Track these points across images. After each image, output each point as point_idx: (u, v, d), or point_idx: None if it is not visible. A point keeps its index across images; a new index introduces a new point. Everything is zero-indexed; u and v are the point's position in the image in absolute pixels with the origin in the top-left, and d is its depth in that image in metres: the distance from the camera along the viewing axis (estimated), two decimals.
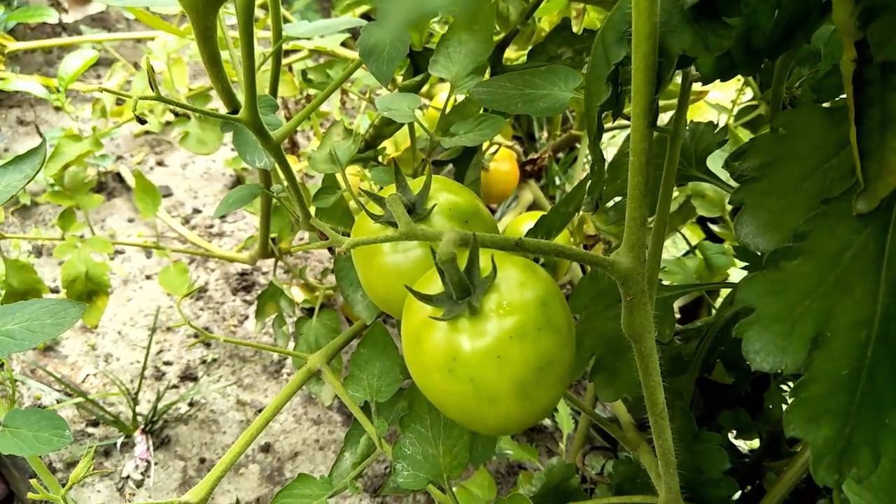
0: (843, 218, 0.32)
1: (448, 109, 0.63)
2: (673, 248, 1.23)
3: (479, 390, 0.37)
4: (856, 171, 0.32)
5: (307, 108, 0.58)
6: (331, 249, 0.98)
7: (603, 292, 0.54)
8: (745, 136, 0.80)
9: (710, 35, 0.34)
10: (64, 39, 1.41)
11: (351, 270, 0.67)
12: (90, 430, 0.91)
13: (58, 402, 0.92)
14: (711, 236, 0.97)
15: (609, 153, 0.58)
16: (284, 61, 1.17)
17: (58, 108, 1.34)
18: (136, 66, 1.48)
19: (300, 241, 1.07)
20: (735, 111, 0.87)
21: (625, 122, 0.44)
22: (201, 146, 1.03)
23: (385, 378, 0.60)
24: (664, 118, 0.45)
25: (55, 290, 1.06)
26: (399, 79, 0.84)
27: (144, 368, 0.95)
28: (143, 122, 0.57)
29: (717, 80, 0.42)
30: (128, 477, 0.86)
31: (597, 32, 0.40)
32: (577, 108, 1.11)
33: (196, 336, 1.05)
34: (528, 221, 0.84)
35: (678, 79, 0.42)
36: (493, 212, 1.10)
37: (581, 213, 0.84)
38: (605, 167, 0.49)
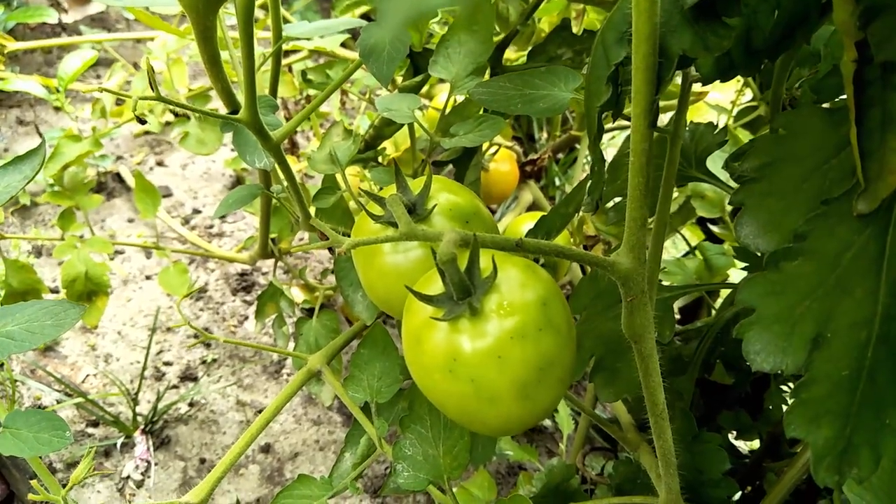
0: (844, 218, 0.33)
1: (448, 110, 0.63)
2: (673, 249, 1.23)
3: (479, 391, 0.37)
4: (856, 172, 0.32)
5: (307, 108, 0.58)
6: (331, 250, 0.97)
7: (603, 293, 0.54)
8: (744, 136, 0.80)
9: (709, 35, 0.34)
10: (64, 39, 1.41)
11: (351, 271, 0.67)
12: (90, 430, 0.91)
13: (58, 402, 0.92)
14: (711, 237, 0.98)
15: (609, 154, 0.58)
16: (284, 62, 1.17)
17: (57, 109, 1.34)
18: (136, 66, 1.48)
19: (300, 242, 1.07)
20: (735, 112, 0.87)
21: (625, 122, 0.44)
22: (201, 146, 1.03)
23: (385, 379, 0.60)
24: (664, 119, 0.45)
25: (55, 291, 1.06)
26: (399, 79, 0.84)
27: (144, 369, 0.95)
28: (142, 122, 0.57)
29: (717, 81, 0.42)
30: (128, 477, 0.86)
31: (597, 33, 0.40)
32: (577, 109, 1.11)
33: (196, 336, 1.05)
34: (528, 222, 0.84)
35: (678, 79, 0.42)
36: (492, 212, 1.11)
37: (581, 213, 0.84)
38: (605, 168, 0.49)
